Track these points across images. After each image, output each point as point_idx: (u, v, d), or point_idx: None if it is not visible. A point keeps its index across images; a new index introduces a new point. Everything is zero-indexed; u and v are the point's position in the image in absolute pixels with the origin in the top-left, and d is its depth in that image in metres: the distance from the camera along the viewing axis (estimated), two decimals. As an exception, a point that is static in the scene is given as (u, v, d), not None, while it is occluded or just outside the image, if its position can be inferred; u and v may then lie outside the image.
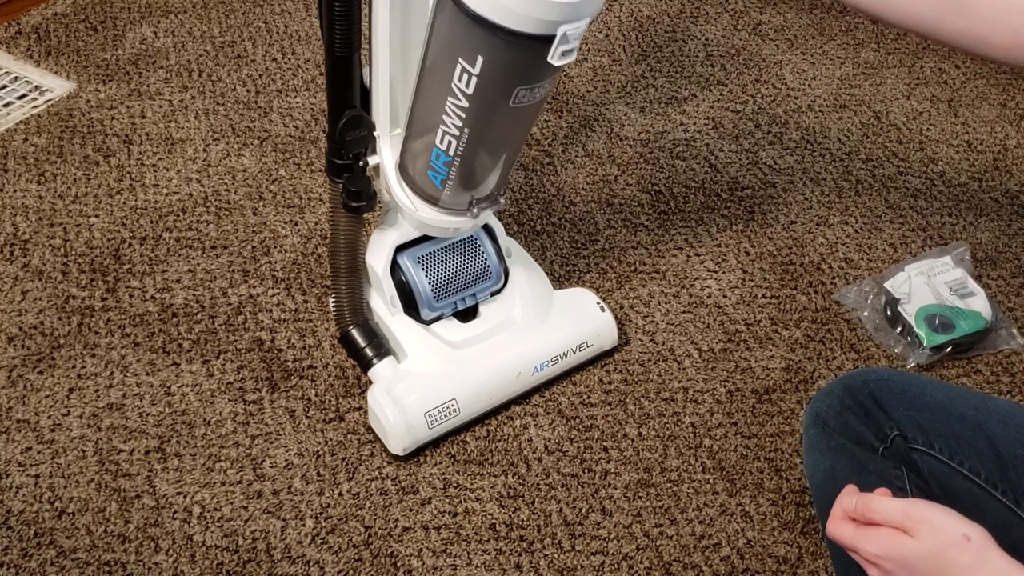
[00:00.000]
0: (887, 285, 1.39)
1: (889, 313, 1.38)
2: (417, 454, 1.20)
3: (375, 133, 1.11)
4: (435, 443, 1.21)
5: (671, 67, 1.85)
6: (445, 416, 1.17)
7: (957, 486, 0.87)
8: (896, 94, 1.81)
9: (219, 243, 1.46)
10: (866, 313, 1.39)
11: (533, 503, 1.16)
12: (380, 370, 1.20)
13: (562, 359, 1.25)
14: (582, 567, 1.10)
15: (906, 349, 1.34)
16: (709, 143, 1.68)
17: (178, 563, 1.09)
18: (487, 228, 1.24)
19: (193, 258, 1.44)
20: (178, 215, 1.51)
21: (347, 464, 1.19)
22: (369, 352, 1.21)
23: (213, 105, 1.71)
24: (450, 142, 1.00)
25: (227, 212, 1.51)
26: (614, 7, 2.00)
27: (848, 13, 2.02)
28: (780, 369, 1.32)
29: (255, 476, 1.17)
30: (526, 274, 1.26)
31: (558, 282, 1.41)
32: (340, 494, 1.16)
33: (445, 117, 0.98)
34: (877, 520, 0.71)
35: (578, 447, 1.22)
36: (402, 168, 1.11)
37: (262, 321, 1.35)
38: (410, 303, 1.21)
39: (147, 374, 1.28)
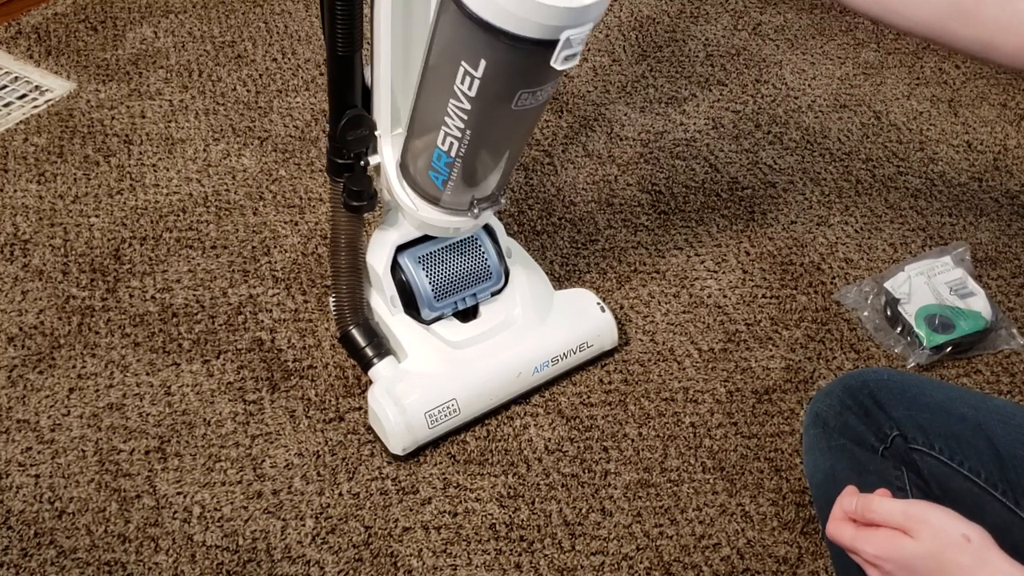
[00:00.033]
0: (887, 285, 1.39)
1: (889, 313, 1.38)
2: (417, 454, 1.20)
3: (376, 133, 1.11)
4: (435, 443, 1.21)
5: (671, 67, 1.85)
6: (445, 416, 1.17)
7: (957, 486, 0.87)
8: (896, 94, 1.81)
9: (219, 243, 1.46)
10: (866, 313, 1.39)
11: (533, 503, 1.16)
12: (380, 370, 1.20)
13: (562, 359, 1.25)
14: (582, 567, 1.10)
15: (906, 349, 1.34)
16: (709, 143, 1.68)
17: (178, 563, 1.09)
18: (487, 228, 1.24)
19: (193, 258, 1.44)
20: (178, 215, 1.51)
21: (347, 464, 1.19)
22: (369, 352, 1.21)
23: (213, 105, 1.71)
24: (452, 143, 1.00)
25: (227, 212, 1.51)
26: (614, 7, 2.00)
27: (848, 13, 2.02)
28: (780, 369, 1.32)
29: (255, 476, 1.17)
30: (526, 274, 1.26)
31: (558, 282, 1.41)
32: (340, 494, 1.16)
33: (447, 118, 0.98)
34: (877, 521, 0.71)
35: (578, 447, 1.22)
36: (403, 168, 1.11)
37: (262, 321, 1.35)
38: (410, 303, 1.21)
39: (147, 374, 1.28)
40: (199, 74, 1.78)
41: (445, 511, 1.15)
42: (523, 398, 1.26)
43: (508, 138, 1.04)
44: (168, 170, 1.58)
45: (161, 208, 1.52)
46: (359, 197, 1.10)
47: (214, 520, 1.13)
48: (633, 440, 1.23)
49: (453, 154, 1.01)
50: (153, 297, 1.38)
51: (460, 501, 1.16)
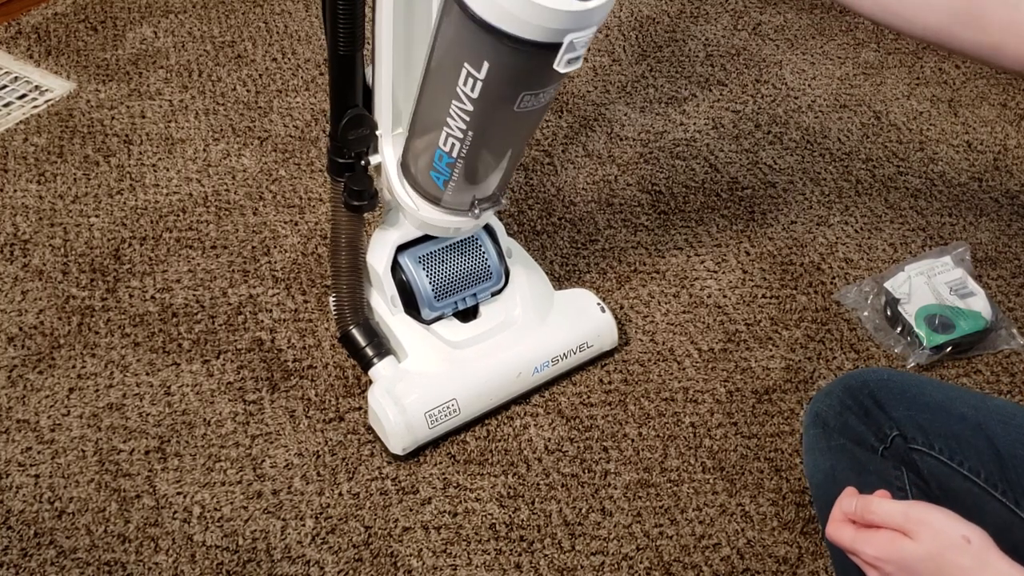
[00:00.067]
0: (887, 285, 1.39)
1: (889, 313, 1.38)
2: (417, 454, 1.20)
3: (377, 132, 1.11)
4: (435, 443, 1.21)
5: (671, 67, 1.85)
6: (445, 416, 1.17)
7: (957, 486, 0.87)
8: (896, 94, 1.81)
9: (219, 243, 1.46)
10: (866, 313, 1.39)
11: (533, 503, 1.16)
12: (380, 370, 1.20)
13: (562, 359, 1.25)
14: (582, 567, 1.10)
15: (906, 349, 1.34)
16: (709, 143, 1.68)
17: (178, 563, 1.09)
18: (488, 228, 1.24)
19: (193, 258, 1.44)
20: (178, 215, 1.51)
21: (347, 464, 1.19)
22: (369, 351, 1.21)
23: (213, 105, 1.71)
24: (453, 144, 1.00)
25: (227, 212, 1.51)
26: (614, 7, 2.00)
27: (848, 13, 2.01)
28: (780, 369, 1.32)
29: (255, 476, 1.17)
30: (526, 274, 1.26)
31: (558, 282, 1.41)
32: (340, 494, 1.16)
33: (449, 119, 0.98)
34: (877, 522, 0.71)
35: (578, 447, 1.22)
36: (404, 168, 1.11)
37: (262, 321, 1.35)
38: (411, 303, 1.21)
39: (147, 374, 1.28)
40: (199, 74, 1.78)
41: (445, 511, 1.15)
42: (523, 398, 1.26)
43: (510, 139, 1.04)
44: (168, 170, 1.58)
45: (161, 208, 1.52)
46: (360, 197, 1.10)
47: (214, 520, 1.13)
48: (633, 440, 1.23)
49: (455, 154, 1.01)
50: (153, 297, 1.38)
51: (460, 501, 1.16)
